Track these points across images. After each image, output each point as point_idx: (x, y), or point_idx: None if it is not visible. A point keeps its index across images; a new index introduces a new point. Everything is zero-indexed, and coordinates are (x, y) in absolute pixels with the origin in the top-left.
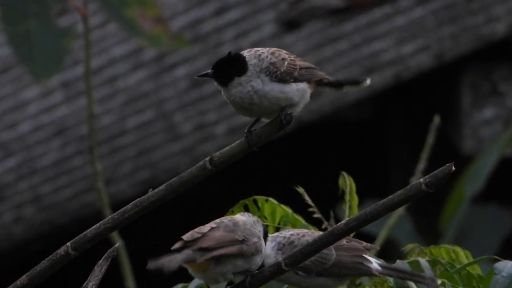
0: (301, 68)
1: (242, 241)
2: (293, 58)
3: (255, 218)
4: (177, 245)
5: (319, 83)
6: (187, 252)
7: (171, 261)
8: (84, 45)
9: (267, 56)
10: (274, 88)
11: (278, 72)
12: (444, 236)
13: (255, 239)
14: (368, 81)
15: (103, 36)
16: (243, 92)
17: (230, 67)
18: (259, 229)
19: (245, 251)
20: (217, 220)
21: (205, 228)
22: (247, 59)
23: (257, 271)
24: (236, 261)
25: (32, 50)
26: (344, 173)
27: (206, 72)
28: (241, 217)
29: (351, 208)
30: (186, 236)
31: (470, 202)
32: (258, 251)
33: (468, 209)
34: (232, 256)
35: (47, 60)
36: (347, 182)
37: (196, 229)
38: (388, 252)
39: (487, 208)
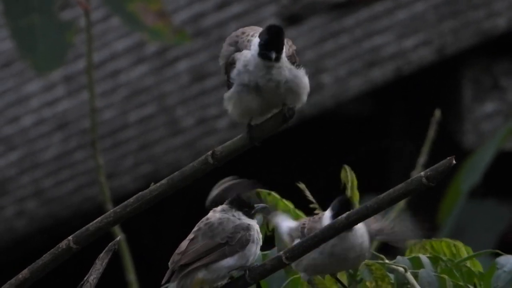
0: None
1: (226, 243)
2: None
3: (225, 206)
4: (166, 277)
5: None
6: (179, 284)
7: None
8: (86, 39)
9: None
10: (296, 76)
11: (295, 62)
12: (442, 231)
13: (240, 234)
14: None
15: (105, 30)
16: (284, 66)
17: (281, 41)
18: (238, 216)
19: (227, 253)
20: (195, 228)
21: (185, 243)
22: None
23: (257, 265)
24: (225, 263)
25: (35, 44)
26: (347, 167)
27: (272, 56)
28: (215, 216)
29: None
30: (170, 262)
31: (469, 196)
32: (247, 242)
33: (467, 203)
34: (216, 260)
35: (49, 54)
36: (349, 176)
37: (176, 250)
38: (388, 247)
39: (486, 203)
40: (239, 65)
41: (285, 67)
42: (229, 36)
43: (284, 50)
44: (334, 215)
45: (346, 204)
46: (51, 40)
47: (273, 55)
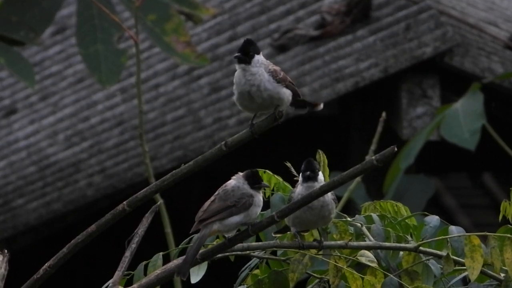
0: (289, 81)
1: (233, 205)
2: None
3: (240, 178)
4: (193, 228)
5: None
6: (202, 232)
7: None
8: (136, 62)
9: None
10: (275, 87)
11: (278, 77)
12: (386, 197)
13: (245, 199)
14: (321, 106)
15: (149, 55)
16: (260, 72)
17: (250, 49)
18: (247, 186)
19: (234, 212)
20: (216, 193)
21: (207, 203)
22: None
23: (257, 222)
24: (233, 219)
25: (99, 65)
26: (320, 151)
27: (236, 55)
28: (231, 183)
29: (323, 177)
30: (197, 216)
31: (405, 172)
32: (250, 206)
33: (404, 177)
34: (226, 217)
35: (109, 73)
36: (321, 158)
37: (201, 207)
38: (349, 208)
39: (417, 177)
40: (235, 79)
41: (261, 74)
42: None
43: (259, 59)
44: (303, 172)
45: (310, 163)
46: (111, 62)
47: (239, 54)
